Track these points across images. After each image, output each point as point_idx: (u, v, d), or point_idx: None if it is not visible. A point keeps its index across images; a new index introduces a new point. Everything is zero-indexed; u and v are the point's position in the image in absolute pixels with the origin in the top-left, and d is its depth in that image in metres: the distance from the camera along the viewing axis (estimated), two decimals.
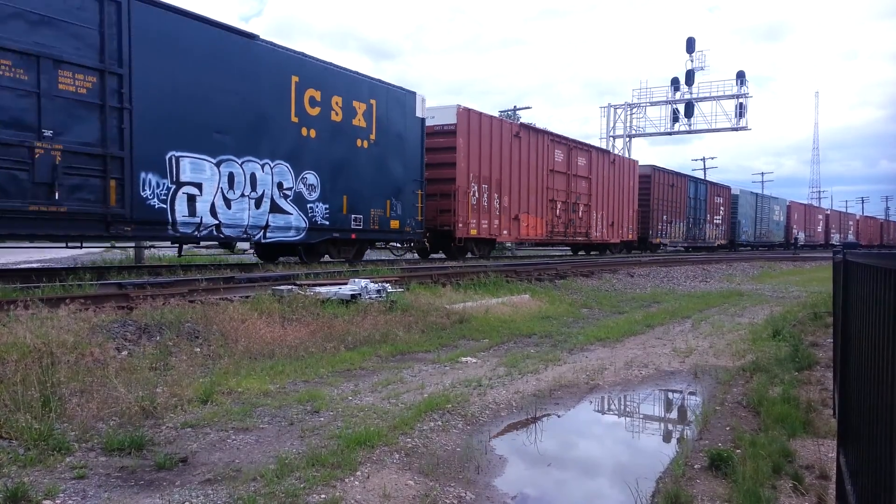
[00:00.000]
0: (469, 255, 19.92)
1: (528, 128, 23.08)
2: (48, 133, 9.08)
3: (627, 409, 6.06)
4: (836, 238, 58.70)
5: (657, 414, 6.03)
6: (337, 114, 14.17)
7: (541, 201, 22.55)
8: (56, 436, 4.08)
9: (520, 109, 45.56)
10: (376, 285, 10.06)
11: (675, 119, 45.34)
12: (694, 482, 3.97)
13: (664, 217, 32.42)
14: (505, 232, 20.77)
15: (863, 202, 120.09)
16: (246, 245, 14.53)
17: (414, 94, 16.73)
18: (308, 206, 13.55)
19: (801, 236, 52.59)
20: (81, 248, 11.01)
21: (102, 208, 9.83)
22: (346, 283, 10.11)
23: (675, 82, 44.72)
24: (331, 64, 14.23)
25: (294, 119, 13.13)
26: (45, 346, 5.37)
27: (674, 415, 6.08)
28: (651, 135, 47.50)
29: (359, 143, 14.84)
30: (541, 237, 23.07)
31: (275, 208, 12.79)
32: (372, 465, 3.97)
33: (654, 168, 32.12)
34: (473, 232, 19.15)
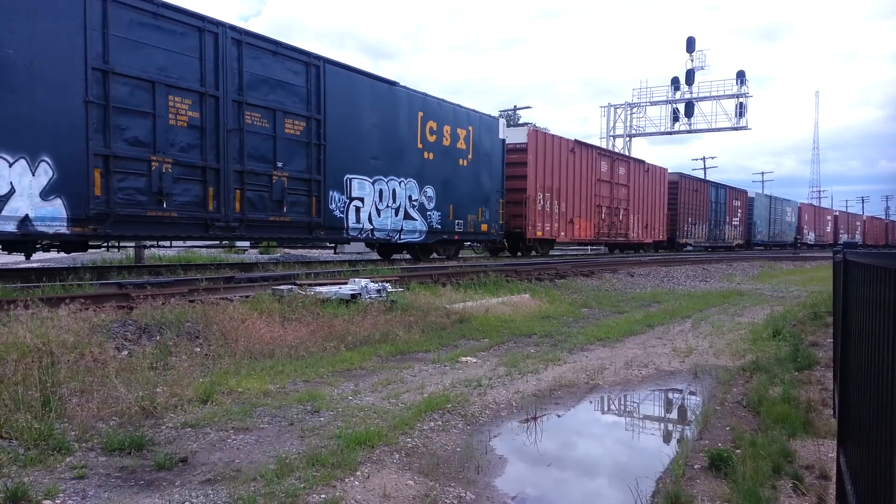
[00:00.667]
0: (533, 252, 23.33)
1: (581, 144, 25.89)
2: (280, 164, 12.73)
3: (627, 409, 6.06)
4: (844, 238, 60.01)
5: (657, 414, 6.03)
6: (446, 139, 17.94)
7: (590, 207, 25.93)
8: (56, 436, 4.08)
9: (520, 109, 45.58)
10: (376, 285, 10.06)
11: (676, 119, 45.32)
12: (694, 482, 3.97)
13: (689, 219, 35.69)
14: (562, 233, 24.19)
15: (863, 202, 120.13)
16: (248, 245, 15.65)
17: (498, 119, 20.72)
18: (427, 213, 17.18)
19: (812, 236, 55.47)
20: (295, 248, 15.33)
21: (308, 218, 13.50)
22: (346, 283, 10.11)
23: (675, 82, 44.71)
24: (443, 100, 18.02)
25: (419, 145, 16.83)
26: (45, 346, 5.37)
27: (674, 415, 6.08)
28: (651, 134, 47.52)
29: (461, 162, 18.55)
30: (590, 238, 26.56)
31: (406, 216, 16.42)
32: (372, 465, 3.97)
33: (681, 175, 35.42)
34: (539, 233, 22.48)
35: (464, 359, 7.30)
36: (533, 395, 5.88)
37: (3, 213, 8.92)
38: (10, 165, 8.95)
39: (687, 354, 7.94)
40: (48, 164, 9.35)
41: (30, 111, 9.12)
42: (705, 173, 64.56)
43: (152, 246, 15.21)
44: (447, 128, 17.87)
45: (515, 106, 46.71)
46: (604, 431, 5.41)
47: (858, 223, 71.29)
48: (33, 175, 9.20)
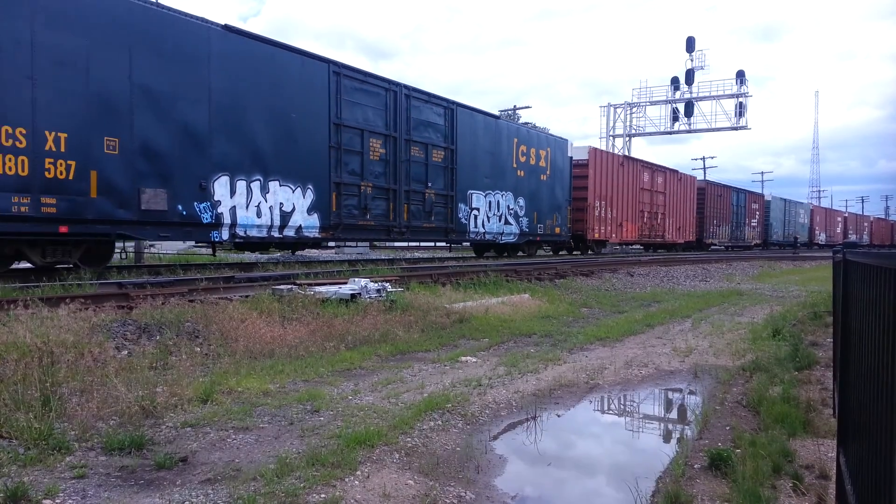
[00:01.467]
0: (590, 251, 27.32)
1: (628, 158, 30.43)
2: (429, 184, 17.18)
3: (627, 409, 6.06)
4: (852, 238, 63.65)
5: (657, 413, 6.03)
6: (532, 160, 22.22)
7: (635, 212, 29.63)
8: (56, 435, 4.08)
9: (520, 109, 45.59)
10: (376, 285, 10.06)
11: (675, 118, 45.30)
12: (694, 482, 3.97)
13: (714, 222, 39.36)
14: (613, 235, 27.93)
15: (863, 202, 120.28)
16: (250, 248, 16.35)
17: (567, 141, 24.76)
18: (519, 219, 21.49)
19: (823, 237, 58.61)
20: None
21: (445, 224, 17.94)
22: (345, 283, 10.11)
23: (675, 82, 44.69)
24: (529, 128, 24.76)
25: (514, 165, 21.22)
26: (45, 346, 5.37)
27: (674, 414, 6.08)
28: (651, 134, 47.51)
29: (541, 177, 22.79)
30: (634, 239, 30.33)
31: (506, 221, 20.85)
32: (372, 465, 3.97)
33: (708, 182, 40.06)
34: (597, 235, 26.49)
35: (463, 358, 7.30)
36: (533, 395, 5.88)
37: (289, 223, 13.30)
38: (293, 191, 13.40)
39: (687, 354, 7.94)
40: (311, 190, 13.78)
41: (303, 155, 13.58)
42: (705, 173, 64.65)
43: (350, 246, 21.69)
44: (532, 150, 22.27)
45: (515, 106, 46.75)
46: (603, 431, 5.41)
47: (866, 224, 74.85)
48: (303, 198, 13.63)
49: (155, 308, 7.64)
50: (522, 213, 21.69)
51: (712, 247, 39.78)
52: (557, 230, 23.73)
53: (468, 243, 21.43)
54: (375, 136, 15.38)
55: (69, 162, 9.60)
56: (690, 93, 44.34)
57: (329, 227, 14.17)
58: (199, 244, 15.88)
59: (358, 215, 14.96)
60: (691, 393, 6.44)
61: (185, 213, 11.32)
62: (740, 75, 43.17)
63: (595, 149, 27.27)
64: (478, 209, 19.28)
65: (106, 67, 10.04)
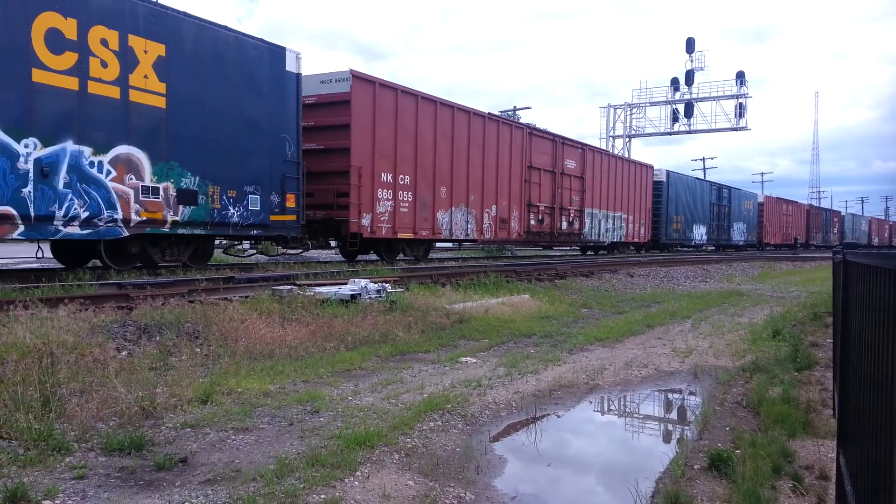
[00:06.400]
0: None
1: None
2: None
3: (627, 410, 6.06)
4: (875, 241, 77.19)
5: (657, 414, 6.02)
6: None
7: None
8: (56, 436, 4.08)
9: (519, 109, 45.58)
10: (376, 285, 10.06)
11: (675, 119, 45.32)
12: (694, 482, 3.97)
13: (814, 231, 55.80)
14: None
15: (863, 203, 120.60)
16: (248, 245, 15.13)
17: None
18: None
19: (876, 240, 76.22)
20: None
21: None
22: (345, 283, 10.11)
23: (674, 82, 44.70)
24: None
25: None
26: (45, 346, 5.36)
27: (673, 415, 6.08)
28: (651, 135, 47.51)
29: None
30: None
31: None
32: (372, 466, 3.97)
33: (811, 206, 58.45)
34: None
35: (463, 359, 7.29)
36: (533, 396, 5.88)
37: None
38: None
39: (687, 355, 7.94)
40: None
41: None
42: (704, 174, 64.82)
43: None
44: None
45: (515, 106, 46.70)
46: (603, 432, 5.41)
47: (886, 227, 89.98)
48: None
49: (155, 309, 7.64)
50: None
51: (811, 248, 54.37)
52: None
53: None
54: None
55: None
56: (690, 94, 44.36)
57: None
58: None
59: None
60: (691, 393, 6.44)
61: None
62: (740, 76, 43.19)
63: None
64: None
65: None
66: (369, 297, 9.68)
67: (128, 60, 10.20)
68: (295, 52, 13.35)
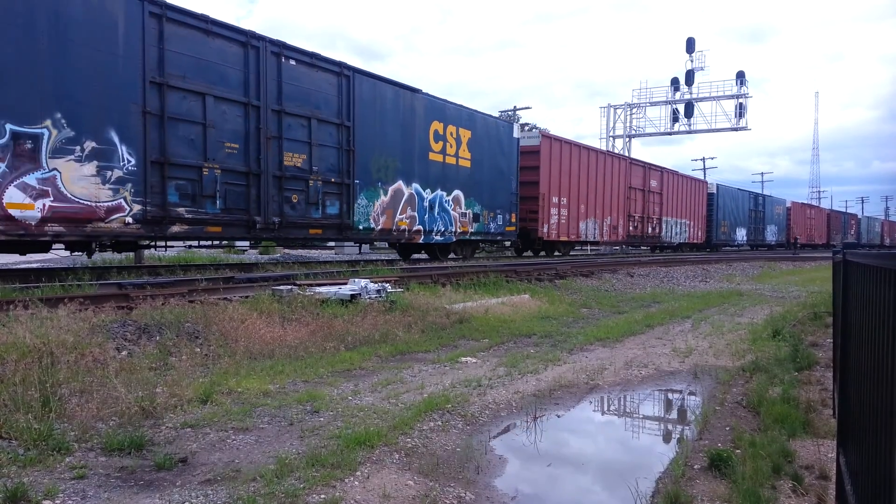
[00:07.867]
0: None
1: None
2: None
3: (627, 410, 6.06)
4: (887, 241, 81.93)
5: (657, 414, 6.02)
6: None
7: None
8: (56, 436, 4.08)
9: (520, 109, 45.71)
10: (376, 285, 10.06)
11: (675, 119, 45.34)
12: (694, 482, 3.97)
13: (834, 233, 59.36)
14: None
15: (863, 202, 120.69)
16: (248, 245, 17.20)
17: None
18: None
19: (888, 240, 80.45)
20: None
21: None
22: (345, 283, 10.11)
23: (674, 82, 44.72)
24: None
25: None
26: (45, 346, 5.37)
27: (673, 415, 6.07)
28: (651, 135, 47.54)
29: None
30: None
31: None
32: (372, 465, 3.97)
33: (832, 211, 63.09)
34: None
35: (463, 359, 7.29)
36: (533, 396, 5.88)
37: None
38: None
39: (687, 355, 7.94)
40: None
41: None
42: (705, 174, 64.80)
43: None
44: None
45: (515, 106, 46.78)
46: (603, 431, 5.41)
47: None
48: None
49: (155, 308, 7.64)
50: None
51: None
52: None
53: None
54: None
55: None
56: (690, 94, 44.38)
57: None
58: None
59: None
60: (691, 393, 6.44)
61: None
62: (740, 76, 43.22)
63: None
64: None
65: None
66: (369, 297, 9.68)
67: (458, 142, 18.26)
68: (518, 125, 24.93)
